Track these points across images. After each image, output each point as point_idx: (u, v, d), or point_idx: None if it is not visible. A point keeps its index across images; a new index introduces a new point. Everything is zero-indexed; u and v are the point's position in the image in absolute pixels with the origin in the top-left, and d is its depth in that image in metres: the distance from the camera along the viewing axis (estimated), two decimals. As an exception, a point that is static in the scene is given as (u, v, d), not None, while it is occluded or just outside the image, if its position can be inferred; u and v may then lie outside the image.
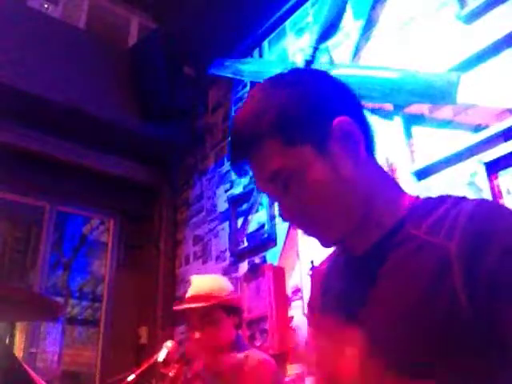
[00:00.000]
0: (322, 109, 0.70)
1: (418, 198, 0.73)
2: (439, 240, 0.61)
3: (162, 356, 1.65)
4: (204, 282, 1.81)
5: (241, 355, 1.69)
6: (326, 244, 0.74)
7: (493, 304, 0.56)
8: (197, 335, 1.70)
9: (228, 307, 1.74)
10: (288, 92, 0.71)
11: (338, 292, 0.76)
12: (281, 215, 0.73)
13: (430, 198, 0.72)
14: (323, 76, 0.76)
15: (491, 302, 0.56)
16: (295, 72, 0.77)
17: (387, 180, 0.75)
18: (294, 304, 2.47)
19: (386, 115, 2.25)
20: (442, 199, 0.68)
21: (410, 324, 0.61)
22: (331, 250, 0.83)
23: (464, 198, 0.67)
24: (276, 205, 2.81)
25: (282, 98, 0.70)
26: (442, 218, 0.63)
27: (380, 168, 0.75)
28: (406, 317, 0.61)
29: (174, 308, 1.80)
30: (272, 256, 2.71)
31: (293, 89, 0.71)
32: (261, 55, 3.29)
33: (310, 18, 2.93)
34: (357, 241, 0.73)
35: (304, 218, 0.71)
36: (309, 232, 0.72)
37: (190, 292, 1.79)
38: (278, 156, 0.68)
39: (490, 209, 0.63)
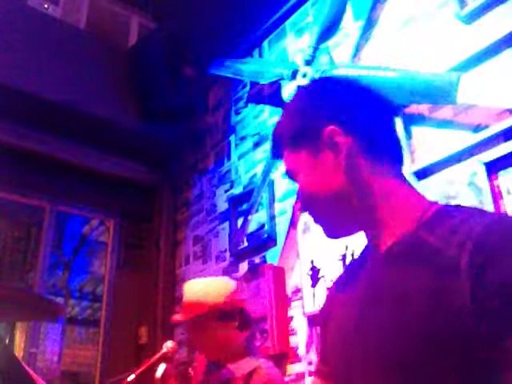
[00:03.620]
0: (313, 121, 0.80)
1: (435, 203, 0.74)
2: (451, 249, 0.61)
3: (159, 372, 1.64)
4: (192, 290, 1.73)
5: (251, 364, 1.62)
6: (327, 235, 0.83)
7: (493, 323, 0.55)
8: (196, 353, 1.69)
9: (218, 314, 1.64)
10: (291, 107, 0.87)
11: (346, 295, 0.80)
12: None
13: (448, 206, 0.73)
14: (326, 87, 0.86)
15: (492, 320, 0.55)
16: (304, 87, 0.91)
17: (399, 184, 0.77)
18: (293, 304, 2.47)
19: (386, 115, 2.25)
20: (460, 209, 0.70)
21: (409, 329, 0.61)
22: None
23: (482, 211, 0.68)
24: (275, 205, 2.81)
25: (287, 113, 0.87)
26: (457, 226, 0.63)
27: (390, 173, 0.77)
28: (406, 324, 0.62)
29: (171, 320, 1.79)
30: (272, 256, 2.71)
31: (294, 104, 0.87)
32: (261, 55, 3.29)
33: (310, 18, 2.93)
34: (374, 243, 0.77)
35: (307, 210, 0.83)
36: (315, 222, 0.83)
37: (183, 300, 1.75)
38: (287, 161, 0.84)
39: (506, 225, 0.63)
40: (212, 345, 1.65)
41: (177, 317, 1.73)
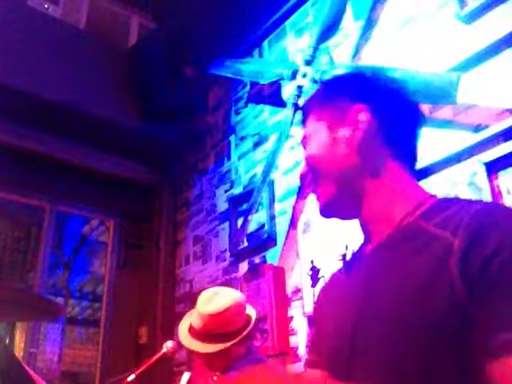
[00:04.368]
0: (346, 95, 0.84)
1: (434, 196, 0.77)
2: (447, 235, 0.64)
3: (184, 381, 1.64)
4: (215, 318, 1.62)
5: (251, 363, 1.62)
6: (320, 211, 0.85)
7: (479, 298, 0.57)
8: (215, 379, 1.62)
9: (242, 341, 1.64)
10: (325, 84, 0.95)
11: (343, 289, 0.81)
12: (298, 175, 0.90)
13: (445, 198, 0.76)
14: (365, 74, 0.91)
15: (479, 296, 0.57)
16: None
17: (402, 174, 0.80)
18: (293, 304, 2.47)
19: (386, 115, 2.25)
20: (457, 200, 0.73)
21: (404, 317, 0.63)
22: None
23: (475, 201, 0.70)
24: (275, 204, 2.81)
25: (325, 84, 0.96)
26: (452, 215, 0.66)
27: (397, 162, 0.80)
28: (401, 310, 0.63)
29: (184, 345, 1.65)
30: (272, 256, 2.71)
31: (330, 82, 0.95)
32: (261, 55, 3.29)
33: (310, 18, 2.93)
34: (372, 233, 0.79)
35: (309, 178, 0.86)
36: (313, 192, 0.87)
37: (199, 323, 1.64)
38: (307, 126, 0.88)
39: (493, 210, 0.66)
40: (224, 362, 1.63)
41: (206, 348, 1.60)
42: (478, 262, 0.58)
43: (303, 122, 0.91)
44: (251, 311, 1.77)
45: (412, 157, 0.83)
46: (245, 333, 1.64)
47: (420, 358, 0.60)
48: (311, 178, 0.85)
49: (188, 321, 1.73)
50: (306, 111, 0.91)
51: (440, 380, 0.59)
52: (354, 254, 0.87)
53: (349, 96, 0.84)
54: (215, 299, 1.68)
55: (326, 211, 0.84)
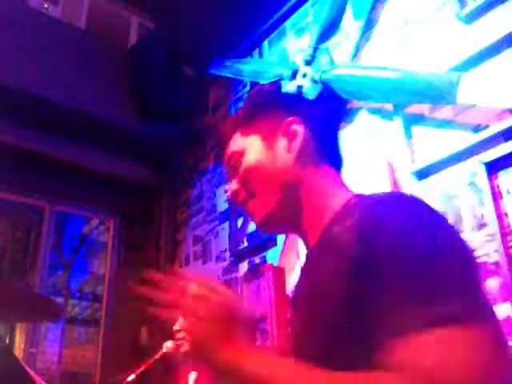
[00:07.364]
0: (276, 108, 0.85)
1: (357, 196, 0.77)
2: (345, 233, 0.65)
3: (191, 380, 1.65)
4: None
5: None
6: (258, 223, 0.83)
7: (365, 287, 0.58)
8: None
9: None
10: (248, 101, 0.93)
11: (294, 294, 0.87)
12: (228, 194, 0.87)
13: (363, 198, 0.74)
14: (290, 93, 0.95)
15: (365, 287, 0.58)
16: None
17: (335, 179, 0.83)
18: (294, 304, 2.47)
19: (386, 115, 2.25)
20: (366, 198, 0.72)
21: (312, 311, 0.69)
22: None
23: (380, 194, 0.70)
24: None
25: (242, 107, 0.92)
26: (354, 211, 0.68)
27: (330, 167, 0.83)
28: (311, 307, 0.69)
29: None
30: (272, 256, 2.71)
31: (251, 99, 0.94)
32: (261, 55, 3.29)
33: (310, 17, 2.93)
34: (308, 241, 0.82)
35: (243, 194, 0.84)
36: (247, 209, 0.84)
37: None
38: (236, 143, 0.85)
39: (382, 208, 0.65)
40: None
41: None
42: (366, 262, 0.59)
43: (223, 144, 0.88)
44: None
45: (340, 159, 0.86)
46: None
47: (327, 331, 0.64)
48: (245, 195, 0.83)
49: None
50: (226, 133, 0.88)
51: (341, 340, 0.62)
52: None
53: (277, 108, 0.85)
54: None
55: (266, 225, 0.83)
